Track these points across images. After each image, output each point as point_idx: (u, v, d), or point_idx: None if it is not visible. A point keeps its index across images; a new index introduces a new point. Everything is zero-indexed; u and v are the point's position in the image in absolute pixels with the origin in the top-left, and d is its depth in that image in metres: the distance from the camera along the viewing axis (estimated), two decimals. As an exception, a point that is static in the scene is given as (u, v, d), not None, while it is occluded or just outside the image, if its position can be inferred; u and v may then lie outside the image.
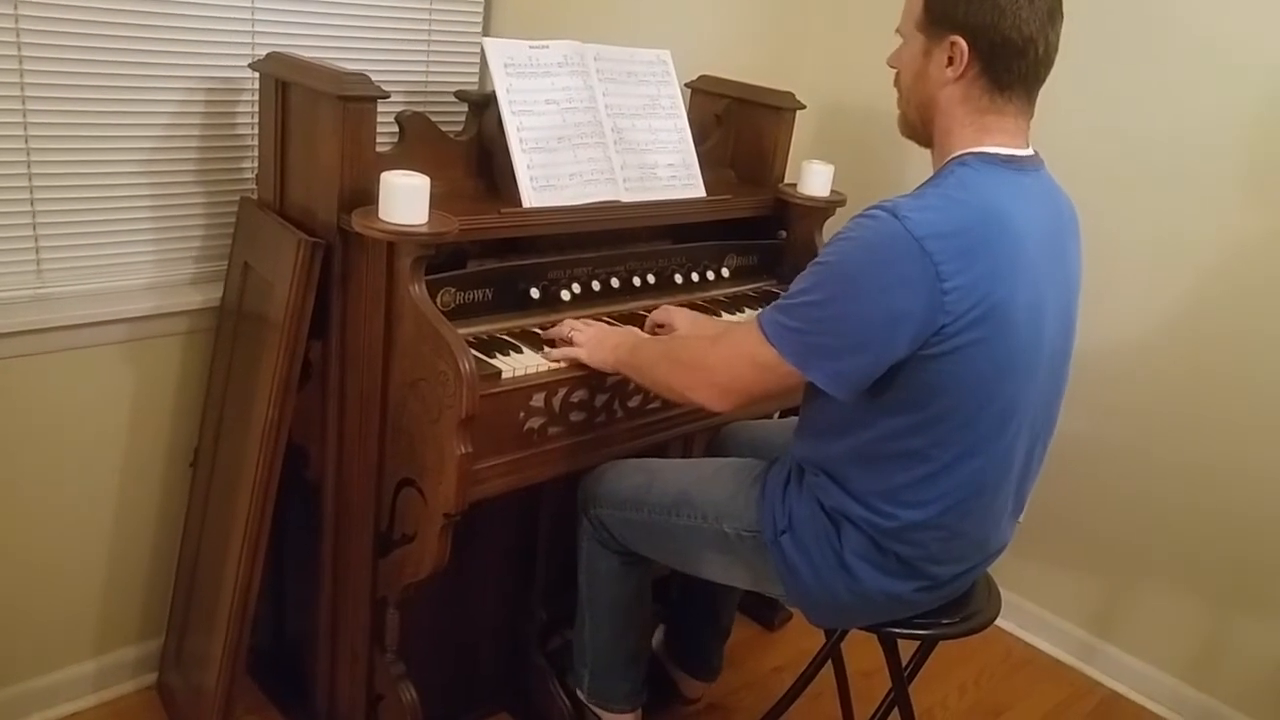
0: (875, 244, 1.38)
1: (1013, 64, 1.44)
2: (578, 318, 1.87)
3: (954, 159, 1.48)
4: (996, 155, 1.46)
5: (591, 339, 1.76)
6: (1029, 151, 1.51)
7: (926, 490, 1.49)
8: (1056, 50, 1.46)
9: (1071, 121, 2.36)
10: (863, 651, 2.00)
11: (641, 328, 1.93)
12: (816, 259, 1.46)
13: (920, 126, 1.55)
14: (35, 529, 1.89)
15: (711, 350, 1.58)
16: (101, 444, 1.93)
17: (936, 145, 1.53)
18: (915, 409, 1.45)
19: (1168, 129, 2.30)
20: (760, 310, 1.52)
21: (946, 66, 1.46)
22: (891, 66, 1.59)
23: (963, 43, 1.43)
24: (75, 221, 1.79)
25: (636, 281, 2.05)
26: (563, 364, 1.74)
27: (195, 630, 1.95)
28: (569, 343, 1.77)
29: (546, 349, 1.77)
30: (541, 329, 1.85)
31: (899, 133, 1.62)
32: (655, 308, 2.03)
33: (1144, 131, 2.34)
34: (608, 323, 1.90)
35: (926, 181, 1.49)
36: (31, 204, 1.73)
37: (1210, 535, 2.37)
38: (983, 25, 1.42)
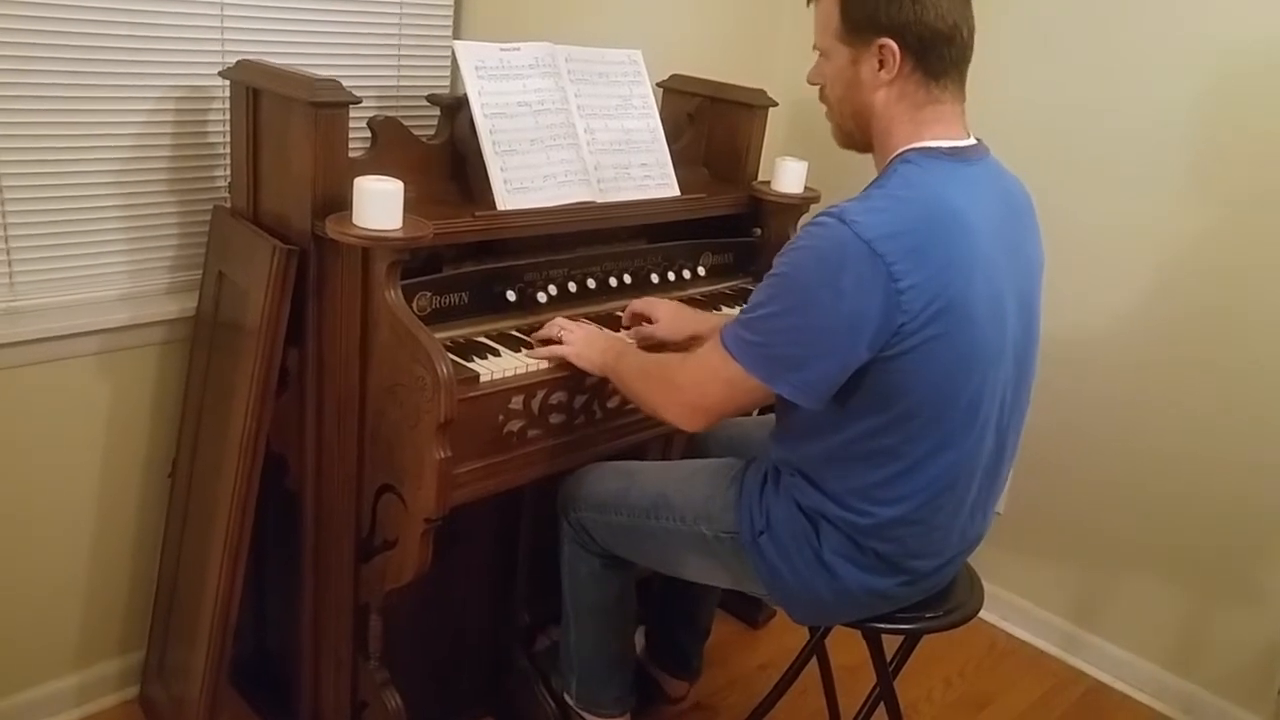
0: (826, 251, 1.38)
1: (944, 52, 1.44)
2: (563, 321, 1.86)
3: (896, 157, 1.48)
4: (939, 149, 1.46)
5: (581, 339, 1.76)
6: (971, 141, 1.51)
7: (900, 487, 1.50)
8: (974, 31, 1.47)
9: (1025, 115, 2.38)
10: (847, 647, 2.01)
11: (620, 322, 1.94)
12: (771, 270, 1.45)
13: (858, 134, 1.55)
14: (13, 543, 1.88)
15: (680, 369, 1.59)
16: (78, 456, 1.91)
17: (877, 147, 1.53)
18: (883, 409, 1.45)
19: (1126, 120, 2.32)
20: (723, 325, 1.52)
21: (879, 70, 1.46)
22: (813, 83, 1.59)
23: (892, 44, 1.43)
24: (47, 233, 1.78)
25: (613, 282, 2.05)
26: (546, 363, 1.74)
27: (177, 641, 1.94)
28: (557, 342, 1.77)
29: (533, 348, 1.77)
30: (519, 331, 1.85)
31: (836, 146, 1.62)
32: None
33: (1102, 122, 2.36)
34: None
35: (871, 183, 1.48)
36: (2, 215, 1.72)
37: (1189, 523, 2.39)
38: (907, 22, 1.42)
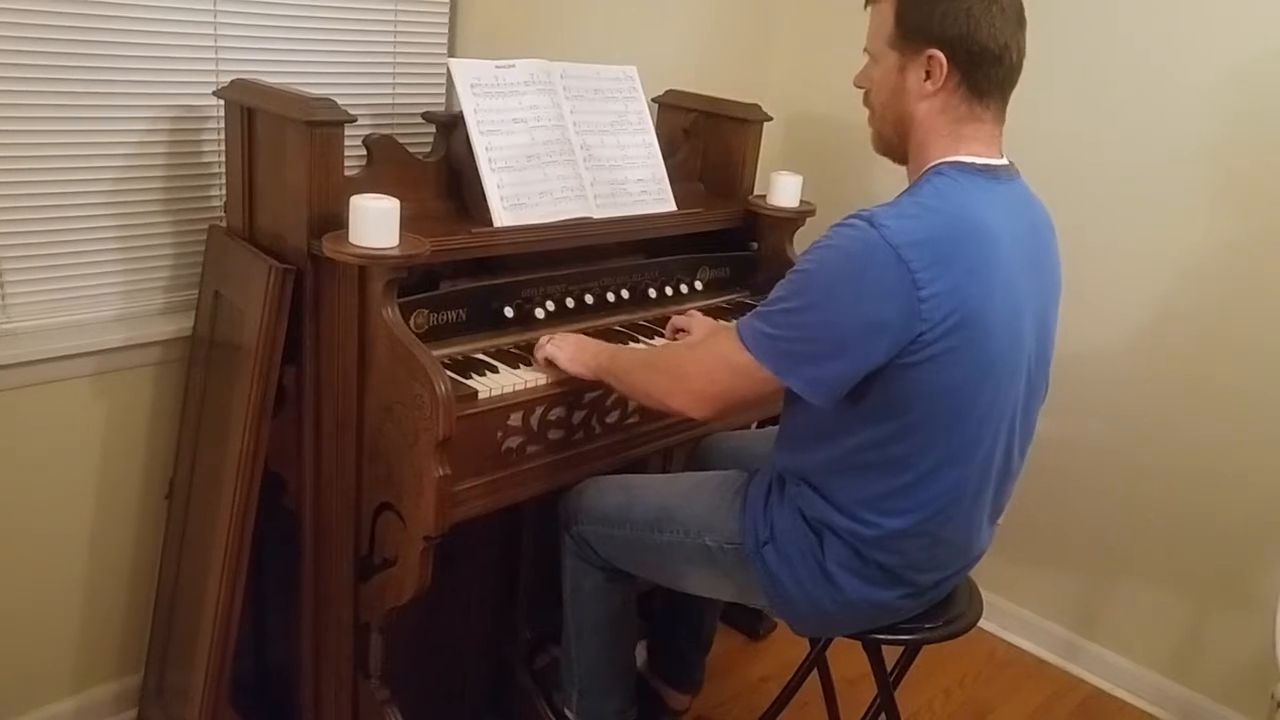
0: (853, 252, 1.39)
1: (991, 71, 1.45)
2: (553, 334, 1.86)
3: (930, 168, 1.48)
4: (972, 164, 1.47)
5: (573, 344, 1.77)
6: (1004, 161, 1.52)
7: (907, 498, 1.50)
8: (1024, 56, 1.48)
9: (1044, 134, 2.39)
10: (848, 658, 2.00)
11: (613, 339, 1.94)
12: (795, 266, 1.46)
13: (897, 143, 1.56)
14: (8, 566, 1.87)
15: (689, 357, 1.60)
16: (74, 478, 1.90)
17: (913, 157, 1.54)
18: (894, 416, 1.45)
19: (1138, 140, 2.33)
20: (739, 317, 1.52)
21: (925, 80, 1.47)
22: (860, 87, 1.59)
23: (941, 55, 1.44)
24: (40, 254, 1.77)
25: (610, 297, 2.05)
26: (541, 376, 1.74)
27: (175, 663, 1.93)
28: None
29: (531, 364, 1.77)
30: (517, 348, 1.85)
31: (873, 150, 1.62)
32: (630, 323, 2.06)
33: (1116, 142, 2.36)
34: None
35: (903, 191, 1.49)
36: (-4, 238, 1.72)
37: (1188, 533, 2.39)
38: (959, 36, 1.43)
